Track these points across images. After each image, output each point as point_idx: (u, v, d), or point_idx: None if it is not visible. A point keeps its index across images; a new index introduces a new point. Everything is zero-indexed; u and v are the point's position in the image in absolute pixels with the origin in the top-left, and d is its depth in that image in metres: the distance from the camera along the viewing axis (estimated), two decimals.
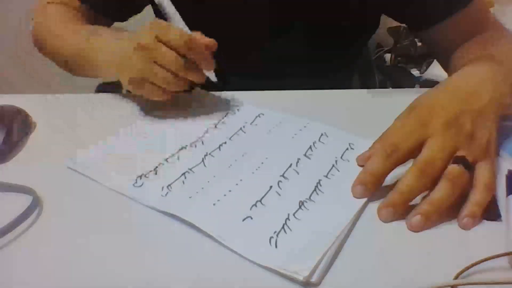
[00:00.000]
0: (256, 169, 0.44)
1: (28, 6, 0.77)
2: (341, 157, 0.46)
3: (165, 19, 0.54)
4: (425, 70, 1.41)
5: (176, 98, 0.54)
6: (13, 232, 0.37)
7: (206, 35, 0.51)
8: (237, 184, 0.42)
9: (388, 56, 1.54)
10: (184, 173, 0.44)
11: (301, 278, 0.32)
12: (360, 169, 0.42)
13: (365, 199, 0.40)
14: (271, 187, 0.41)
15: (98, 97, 0.62)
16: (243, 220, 0.38)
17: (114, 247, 0.36)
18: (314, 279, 0.32)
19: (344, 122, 0.52)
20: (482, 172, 0.39)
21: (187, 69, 0.50)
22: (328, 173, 0.44)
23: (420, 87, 1.26)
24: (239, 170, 0.44)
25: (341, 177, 0.43)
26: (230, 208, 0.39)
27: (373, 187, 0.40)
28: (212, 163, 0.45)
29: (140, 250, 0.36)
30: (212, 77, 0.54)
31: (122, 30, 0.61)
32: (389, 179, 0.40)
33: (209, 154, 0.47)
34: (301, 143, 0.48)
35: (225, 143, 0.49)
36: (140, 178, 0.43)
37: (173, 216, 0.38)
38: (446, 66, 0.66)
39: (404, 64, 1.50)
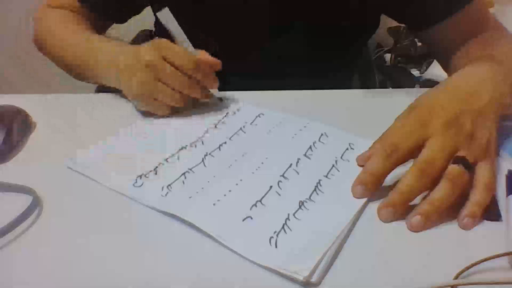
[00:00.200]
0: (256, 169, 0.44)
1: (28, 6, 0.77)
2: (341, 157, 0.46)
3: (168, 34, 0.54)
4: (425, 70, 1.41)
5: None
6: (13, 232, 0.37)
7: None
8: (237, 184, 0.42)
9: (388, 56, 1.54)
10: (184, 173, 0.44)
11: (301, 278, 0.32)
12: (360, 169, 0.42)
13: (365, 199, 0.40)
14: (271, 187, 0.41)
15: (98, 97, 0.62)
16: (243, 220, 0.38)
17: (114, 247, 0.36)
18: (314, 279, 0.32)
19: (344, 122, 0.52)
20: (482, 172, 0.39)
21: (192, 87, 0.52)
22: (328, 173, 0.44)
23: (420, 87, 1.26)
24: (239, 170, 0.44)
25: (341, 177, 0.43)
26: (230, 208, 0.39)
27: (373, 187, 0.40)
28: (212, 163, 0.45)
29: (140, 250, 0.36)
30: (216, 93, 0.56)
31: (122, 41, 0.62)
32: (389, 179, 0.40)
33: (209, 154, 0.47)
34: (301, 143, 0.48)
35: (225, 143, 0.49)
36: (140, 178, 0.43)
37: (173, 216, 0.38)
38: (446, 66, 0.66)
39: (404, 64, 1.50)
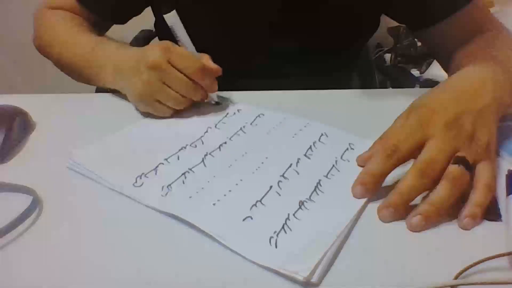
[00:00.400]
0: (256, 169, 0.44)
1: (28, 6, 0.77)
2: (341, 157, 0.46)
3: (170, 35, 0.55)
4: (425, 70, 1.41)
5: None
6: (13, 232, 0.37)
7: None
8: (237, 184, 0.42)
9: (388, 56, 1.54)
10: (184, 173, 0.44)
11: (301, 278, 0.32)
12: (360, 169, 0.42)
13: (365, 199, 0.40)
14: (271, 187, 0.41)
15: (98, 97, 0.62)
16: (243, 220, 0.38)
17: (114, 247, 0.36)
18: (314, 279, 0.32)
19: (344, 122, 0.52)
20: (482, 172, 0.39)
21: (194, 91, 0.52)
22: (328, 173, 0.44)
23: (420, 87, 1.27)
24: (239, 170, 0.44)
25: (341, 177, 0.43)
26: (230, 208, 0.39)
27: (373, 188, 0.40)
28: (212, 163, 0.45)
29: (140, 250, 0.36)
30: (215, 97, 0.57)
31: (124, 43, 0.62)
32: (389, 180, 0.40)
33: (209, 154, 0.47)
34: (301, 143, 0.48)
35: (225, 143, 0.49)
36: (140, 178, 0.43)
37: (173, 216, 0.38)
38: (446, 66, 0.66)
39: (404, 64, 1.50)
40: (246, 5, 0.64)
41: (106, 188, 0.42)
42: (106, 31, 0.75)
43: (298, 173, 0.44)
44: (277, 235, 0.36)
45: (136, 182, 0.42)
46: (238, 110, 0.56)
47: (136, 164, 0.45)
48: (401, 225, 0.38)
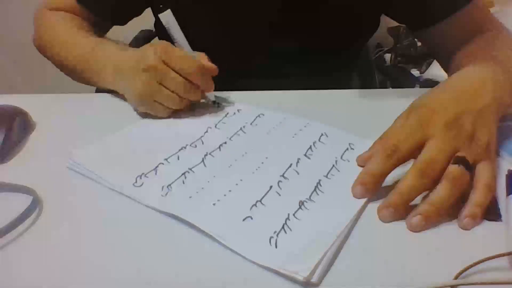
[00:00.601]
0: (256, 169, 0.44)
1: (28, 6, 0.77)
2: (341, 157, 0.46)
3: (169, 36, 0.55)
4: (425, 70, 1.41)
5: None
6: (13, 232, 0.37)
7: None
8: (237, 184, 0.42)
9: (388, 56, 1.54)
10: (184, 173, 0.44)
11: (301, 278, 0.32)
12: (360, 169, 0.42)
13: (365, 199, 0.40)
14: (271, 187, 0.41)
15: (98, 97, 0.62)
16: (243, 220, 0.38)
17: (114, 247, 0.36)
18: (314, 279, 0.32)
19: (344, 122, 0.52)
20: (482, 172, 0.39)
21: (191, 91, 0.52)
22: (328, 173, 0.44)
23: (420, 87, 1.27)
24: (239, 170, 0.44)
25: (341, 177, 0.43)
26: (230, 208, 0.39)
27: (373, 188, 0.40)
28: (212, 163, 0.45)
29: (140, 250, 0.36)
30: (212, 97, 0.56)
31: (123, 44, 0.62)
32: (389, 180, 0.40)
33: (209, 154, 0.47)
34: (301, 143, 0.48)
35: (225, 143, 0.49)
36: (140, 178, 0.43)
37: (173, 216, 0.38)
38: (446, 66, 0.66)
39: (404, 64, 1.49)
40: (246, 5, 0.64)
41: (106, 188, 0.42)
42: (106, 31, 0.75)
43: (298, 173, 0.44)
44: (277, 235, 0.36)
45: (136, 182, 0.42)
46: (238, 110, 0.56)
47: (136, 164, 0.45)
48: (401, 225, 0.38)
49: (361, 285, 0.32)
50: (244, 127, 0.52)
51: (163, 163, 0.45)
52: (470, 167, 0.38)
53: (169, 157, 0.46)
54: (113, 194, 0.42)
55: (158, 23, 0.81)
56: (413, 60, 1.47)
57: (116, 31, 0.74)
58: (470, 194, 0.38)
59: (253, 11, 0.65)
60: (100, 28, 0.71)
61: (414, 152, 0.40)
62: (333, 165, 0.45)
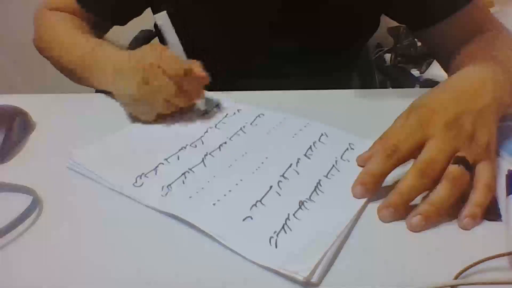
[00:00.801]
0: (256, 169, 0.44)
1: (28, 6, 0.77)
2: (341, 157, 0.46)
3: (165, 41, 0.54)
4: (425, 70, 1.41)
5: None
6: (13, 232, 0.37)
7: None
8: (237, 184, 0.42)
9: (388, 56, 1.54)
10: (184, 173, 0.44)
11: (301, 278, 0.32)
12: (360, 169, 0.42)
13: (365, 199, 0.40)
14: (271, 187, 0.41)
15: (98, 97, 0.62)
16: (243, 220, 0.38)
17: (114, 247, 0.36)
18: (314, 279, 0.32)
19: (344, 122, 0.52)
20: (482, 172, 0.39)
21: (177, 96, 0.51)
22: (328, 173, 0.44)
23: (420, 87, 1.27)
24: (239, 170, 0.44)
25: (341, 177, 0.43)
26: (230, 208, 0.39)
27: (373, 188, 0.40)
28: (212, 163, 0.45)
29: (140, 250, 0.36)
30: (202, 105, 0.55)
31: (123, 48, 0.62)
32: (389, 180, 0.40)
33: (209, 154, 0.47)
34: (301, 143, 0.48)
35: (225, 143, 0.49)
36: (140, 178, 0.43)
37: (173, 216, 0.38)
38: (446, 67, 0.66)
39: (404, 64, 1.50)
40: (246, 5, 0.64)
41: (106, 188, 0.42)
42: (106, 32, 0.75)
43: (298, 173, 0.44)
44: (277, 235, 0.36)
45: (136, 182, 0.42)
46: (238, 110, 0.56)
47: (136, 164, 0.45)
48: (401, 225, 0.38)
49: (361, 285, 0.32)
50: (244, 127, 0.52)
51: (163, 163, 0.45)
52: (470, 167, 0.38)
53: (169, 157, 0.46)
54: (113, 194, 0.42)
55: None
56: (413, 60, 1.48)
57: (116, 31, 0.74)
58: (470, 194, 0.38)
59: (253, 11, 0.65)
60: (100, 28, 0.71)
61: (414, 152, 0.40)
62: (333, 165, 0.45)
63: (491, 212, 0.38)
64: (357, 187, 0.40)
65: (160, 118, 0.53)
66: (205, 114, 0.55)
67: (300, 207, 0.39)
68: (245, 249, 0.35)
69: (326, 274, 0.33)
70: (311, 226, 0.37)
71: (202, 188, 0.42)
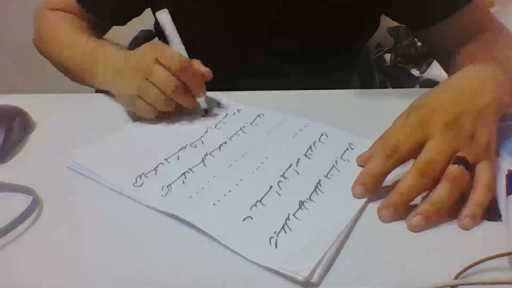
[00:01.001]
0: (256, 169, 0.44)
1: (28, 6, 0.77)
2: (341, 157, 0.46)
3: (166, 39, 0.54)
4: (425, 70, 1.41)
5: None
6: (13, 232, 0.37)
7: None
8: (237, 184, 0.42)
9: (388, 56, 1.54)
10: (184, 173, 0.44)
11: (301, 278, 0.32)
12: (360, 169, 0.42)
13: (365, 199, 0.40)
14: (271, 187, 0.41)
15: (98, 97, 0.62)
16: (243, 220, 0.38)
17: (114, 247, 0.36)
18: (314, 279, 0.32)
19: (344, 122, 0.52)
20: (482, 172, 0.39)
21: (178, 92, 0.50)
22: (328, 173, 0.44)
23: (420, 87, 1.27)
24: (239, 170, 0.44)
25: (341, 177, 0.43)
26: (230, 208, 0.39)
27: (373, 188, 0.40)
28: (212, 163, 0.45)
29: (140, 250, 0.36)
30: (203, 103, 0.55)
31: (123, 48, 0.62)
32: (389, 179, 0.40)
33: (209, 154, 0.47)
34: (301, 143, 0.48)
35: (225, 143, 0.49)
36: (140, 178, 0.43)
37: (173, 216, 0.38)
38: (446, 67, 0.66)
39: (404, 64, 1.49)
40: (246, 5, 0.64)
41: (106, 188, 0.42)
42: (106, 32, 0.75)
43: (298, 173, 0.44)
44: (277, 235, 0.36)
45: (136, 182, 0.42)
46: (238, 110, 0.56)
47: (136, 164, 0.45)
48: (401, 225, 0.38)
49: (361, 285, 0.32)
50: (244, 127, 0.52)
51: (163, 163, 0.45)
52: (470, 167, 0.38)
53: (169, 157, 0.46)
54: (113, 194, 0.42)
55: (158, 23, 0.81)
56: (413, 60, 1.47)
57: (116, 31, 0.74)
58: (470, 194, 0.38)
59: (253, 11, 0.65)
60: (100, 28, 0.71)
61: (414, 152, 0.40)
62: (333, 165, 0.45)
63: (491, 212, 0.38)
64: (357, 187, 0.40)
65: (161, 117, 0.53)
66: (205, 114, 0.55)
67: (300, 207, 0.39)
68: (245, 249, 0.35)
69: (326, 274, 0.33)
70: (311, 226, 0.37)
71: (202, 188, 0.42)
